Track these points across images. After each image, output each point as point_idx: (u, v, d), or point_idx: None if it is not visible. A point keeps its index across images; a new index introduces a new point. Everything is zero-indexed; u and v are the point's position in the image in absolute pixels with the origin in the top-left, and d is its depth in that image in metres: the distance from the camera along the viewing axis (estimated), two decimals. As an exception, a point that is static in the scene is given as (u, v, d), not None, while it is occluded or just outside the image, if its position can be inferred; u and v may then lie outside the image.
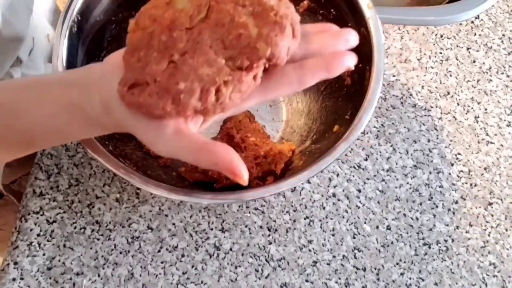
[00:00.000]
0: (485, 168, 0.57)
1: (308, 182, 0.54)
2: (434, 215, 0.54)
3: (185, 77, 0.27)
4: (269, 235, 0.51)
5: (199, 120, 0.32)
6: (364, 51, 0.47)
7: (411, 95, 0.61)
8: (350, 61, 0.31)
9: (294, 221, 0.52)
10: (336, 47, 0.32)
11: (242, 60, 0.28)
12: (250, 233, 0.51)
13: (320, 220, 0.52)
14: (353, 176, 0.55)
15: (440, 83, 0.62)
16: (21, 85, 0.34)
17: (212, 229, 0.51)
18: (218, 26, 0.28)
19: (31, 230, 0.49)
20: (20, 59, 0.50)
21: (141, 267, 0.48)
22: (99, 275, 0.48)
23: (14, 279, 0.47)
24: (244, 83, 0.28)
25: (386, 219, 0.53)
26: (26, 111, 0.32)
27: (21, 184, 0.60)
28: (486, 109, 0.61)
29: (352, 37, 0.32)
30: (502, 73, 0.64)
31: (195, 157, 0.29)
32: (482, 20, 0.68)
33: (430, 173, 0.56)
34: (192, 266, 0.49)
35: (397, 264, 0.51)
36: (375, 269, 0.51)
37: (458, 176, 0.57)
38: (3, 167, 0.55)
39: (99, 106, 0.30)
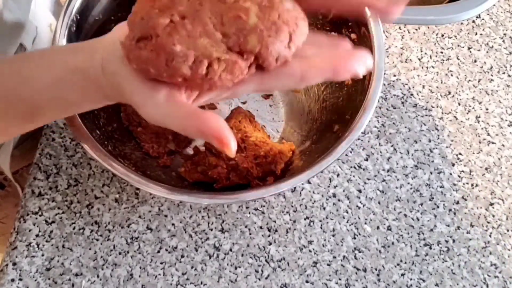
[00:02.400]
0: (486, 168, 0.57)
1: (308, 182, 0.54)
2: (435, 216, 0.54)
3: (182, 41, 0.27)
4: (269, 236, 0.51)
5: (192, 96, 0.31)
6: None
7: (412, 94, 0.61)
8: (360, 67, 0.29)
9: (294, 221, 0.52)
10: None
11: (234, 43, 0.27)
12: (250, 234, 0.51)
13: (320, 221, 0.52)
14: (354, 176, 0.55)
15: (441, 82, 0.62)
16: (28, 55, 0.35)
17: (211, 230, 0.51)
18: (220, 1, 0.28)
19: (30, 230, 0.49)
20: (24, 46, 0.50)
21: (140, 267, 0.48)
22: (98, 276, 0.47)
23: (12, 280, 0.46)
24: (237, 67, 0.28)
25: (387, 219, 0.53)
26: (32, 77, 0.32)
27: (23, 175, 0.60)
28: (487, 109, 0.61)
29: (366, 60, 0.29)
30: (504, 73, 0.63)
31: (182, 123, 0.28)
32: (483, 19, 0.67)
33: (431, 173, 0.56)
34: (192, 267, 0.49)
35: (398, 264, 0.51)
36: (376, 269, 0.50)
37: (459, 176, 0.56)
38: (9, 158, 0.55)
39: (99, 65, 0.30)
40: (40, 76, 0.32)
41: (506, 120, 0.60)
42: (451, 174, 0.56)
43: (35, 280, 0.47)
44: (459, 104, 0.61)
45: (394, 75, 0.62)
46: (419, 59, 0.63)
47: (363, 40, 0.47)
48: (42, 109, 0.34)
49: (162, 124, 0.30)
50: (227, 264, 0.49)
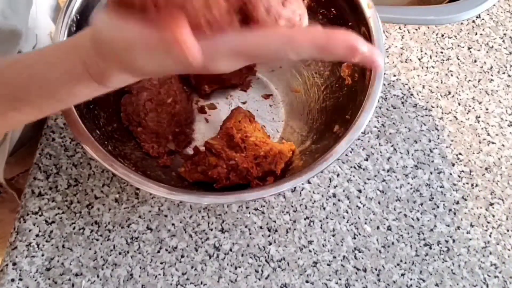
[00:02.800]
0: (486, 168, 0.57)
1: (308, 182, 0.54)
2: (435, 216, 0.54)
3: None
4: (269, 236, 0.51)
5: None
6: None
7: (411, 94, 0.61)
8: (361, 45, 0.26)
9: (294, 221, 0.52)
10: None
11: None
12: (250, 234, 0.51)
13: (320, 221, 0.52)
14: (354, 176, 0.55)
15: (441, 82, 0.62)
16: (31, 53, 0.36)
17: (211, 230, 0.51)
18: None
19: (30, 230, 0.49)
20: None
21: (140, 267, 0.48)
22: (98, 276, 0.47)
23: (13, 280, 0.46)
24: (219, 4, 0.25)
25: (387, 219, 0.53)
26: (16, 61, 0.33)
27: (19, 182, 0.60)
28: (487, 109, 0.61)
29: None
30: (504, 73, 0.63)
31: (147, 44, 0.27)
32: (483, 19, 0.67)
33: (431, 173, 0.56)
34: (192, 267, 0.49)
35: (398, 264, 0.51)
36: (376, 269, 0.50)
37: (459, 176, 0.56)
38: (4, 165, 0.55)
39: (88, 40, 0.30)
40: (24, 59, 0.33)
41: (506, 120, 0.60)
42: (451, 174, 0.56)
43: (35, 280, 0.47)
44: (459, 104, 0.61)
45: (394, 75, 0.62)
46: (419, 59, 0.63)
47: (363, 40, 0.47)
48: (24, 91, 0.33)
49: (162, 70, 0.30)
50: (227, 264, 0.49)
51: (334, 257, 0.50)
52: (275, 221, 0.52)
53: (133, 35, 0.28)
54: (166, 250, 0.49)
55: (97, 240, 0.49)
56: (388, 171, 0.55)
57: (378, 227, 0.52)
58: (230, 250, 0.50)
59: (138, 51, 0.29)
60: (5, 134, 0.51)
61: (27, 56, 0.34)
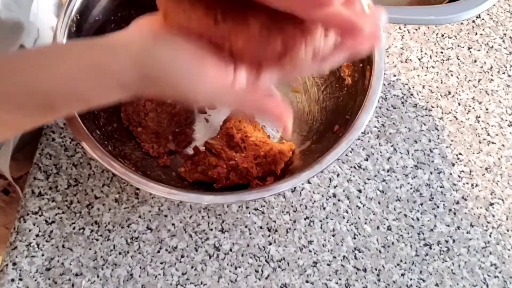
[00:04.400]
0: (486, 168, 0.57)
1: (308, 182, 0.54)
2: (435, 216, 0.54)
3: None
4: (269, 236, 0.51)
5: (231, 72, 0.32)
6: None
7: (412, 94, 0.61)
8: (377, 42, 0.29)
9: (294, 221, 0.52)
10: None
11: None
12: (250, 234, 0.51)
13: (320, 221, 0.52)
14: (354, 176, 0.55)
15: (441, 82, 0.62)
16: (43, 50, 0.34)
17: (211, 230, 0.51)
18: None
19: (30, 230, 0.49)
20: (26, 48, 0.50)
21: (140, 267, 0.48)
22: (98, 276, 0.47)
23: (12, 280, 0.46)
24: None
25: (387, 219, 0.53)
26: (46, 71, 0.32)
27: (27, 181, 0.60)
28: (487, 109, 0.61)
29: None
30: (504, 73, 0.63)
31: (240, 100, 0.30)
32: (483, 19, 0.67)
33: (431, 173, 0.56)
34: (192, 267, 0.49)
35: (398, 264, 0.51)
36: (376, 269, 0.50)
37: (459, 176, 0.56)
38: (9, 161, 0.54)
39: (127, 60, 0.30)
40: (55, 72, 0.32)
41: (506, 120, 0.60)
42: (451, 174, 0.56)
43: (35, 280, 0.47)
44: (459, 104, 0.61)
45: (394, 75, 0.62)
46: (419, 59, 0.63)
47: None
48: (57, 104, 0.34)
49: (213, 101, 0.31)
50: (227, 264, 0.49)
51: (334, 257, 0.50)
52: (275, 221, 0.52)
53: (210, 89, 0.29)
54: (166, 250, 0.49)
55: (97, 240, 0.49)
56: (388, 171, 0.55)
57: (378, 227, 0.52)
58: (230, 250, 0.50)
59: (212, 97, 0.30)
60: None
61: (55, 65, 0.32)
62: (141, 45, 0.30)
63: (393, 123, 0.58)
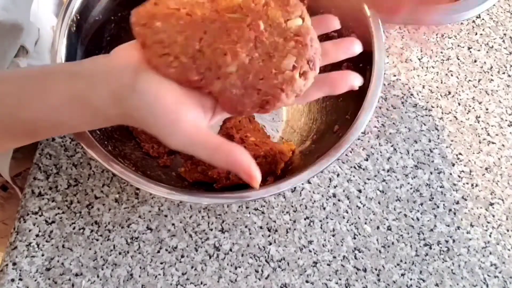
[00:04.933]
0: (486, 168, 0.57)
1: (308, 182, 0.54)
2: (435, 216, 0.54)
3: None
4: (269, 236, 0.51)
5: (209, 114, 0.33)
6: (364, 50, 0.46)
7: (412, 94, 0.61)
8: (355, 81, 0.34)
9: (294, 221, 0.52)
10: (337, 56, 0.34)
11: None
12: (250, 234, 0.51)
13: (320, 221, 0.52)
14: (354, 176, 0.55)
15: (441, 82, 0.62)
16: (25, 75, 0.34)
17: (211, 230, 0.51)
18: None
19: (29, 230, 0.49)
20: (26, 49, 0.50)
21: (140, 267, 0.48)
22: (98, 276, 0.47)
23: (12, 280, 0.46)
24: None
25: (387, 219, 0.53)
26: (30, 102, 0.32)
27: (25, 178, 0.60)
28: (487, 109, 0.61)
29: (354, 46, 0.35)
30: (504, 73, 0.63)
31: (210, 154, 0.30)
32: (483, 19, 0.67)
33: (431, 173, 0.56)
34: (192, 267, 0.49)
35: (398, 264, 0.51)
36: (376, 269, 0.50)
37: (459, 176, 0.56)
38: (9, 162, 0.55)
39: (107, 97, 0.30)
40: (36, 102, 0.32)
41: (506, 120, 0.60)
42: (451, 174, 0.56)
43: (35, 280, 0.47)
44: (459, 104, 0.61)
45: (394, 75, 0.62)
46: (419, 59, 0.63)
47: (363, 40, 0.47)
48: (39, 130, 0.34)
49: (187, 152, 0.31)
50: (227, 264, 0.49)
51: (334, 257, 0.50)
52: (275, 221, 0.52)
53: (187, 137, 0.30)
54: (166, 250, 0.49)
55: (97, 240, 0.49)
56: (388, 171, 0.55)
57: (378, 227, 0.52)
58: (230, 250, 0.50)
59: (187, 146, 0.31)
60: None
61: (36, 97, 0.32)
62: (120, 81, 0.30)
63: (393, 123, 0.58)
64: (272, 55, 0.31)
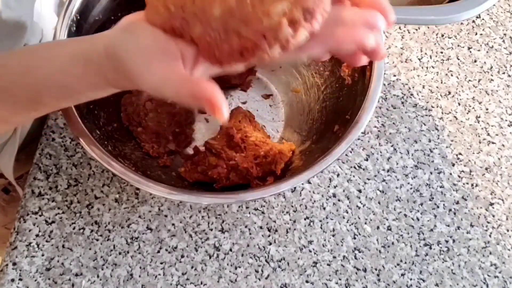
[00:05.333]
0: (486, 168, 0.57)
1: (308, 182, 0.54)
2: (435, 216, 0.54)
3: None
4: (269, 236, 0.51)
5: (190, 63, 0.31)
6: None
7: (412, 94, 0.61)
8: (368, 39, 0.29)
9: (294, 221, 0.52)
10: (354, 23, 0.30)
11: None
12: (250, 234, 0.51)
13: (320, 221, 0.52)
14: (354, 176, 0.55)
15: (441, 82, 0.62)
16: (35, 47, 0.37)
17: (211, 230, 0.51)
18: None
19: (30, 230, 0.49)
20: None
21: (140, 267, 0.48)
22: (98, 276, 0.47)
23: (13, 280, 0.46)
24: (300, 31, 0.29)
25: (387, 219, 0.53)
26: (35, 67, 0.34)
27: (27, 181, 0.60)
28: (487, 109, 0.61)
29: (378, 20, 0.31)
30: (504, 73, 0.63)
31: (177, 88, 0.30)
32: (483, 19, 0.67)
33: (431, 173, 0.56)
34: (192, 267, 0.49)
35: (398, 264, 0.51)
36: (376, 269, 0.50)
37: (459, 176, 0.56)
38: (13, 163, 0.55)
39: (102, 48, 0.31)
40: (43, 65, 0.33)
41: (506, 120, 0.60)
42: (451, 174, 0.56)
43: (35, 280, 0.47)
44: (459, 104, 0.61)
45: (394, 75, 0.62)
46: (419, 59, 0.63)
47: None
48: (45, 97, 0.35)
49: (158, 92, 0.30)
50: (227, 264, 0.49)
51: (334, 257, 0.50)
52: (275, 221, 0.52)
53: (158, 71, 0.30)
54: (166, 250, 0.49)
55: (97, 240, 0.49)
56: (388, 171, 0.55)
57: (378, 227, 0.52)
58: (230, 250, 0.50)
59: (157, 82, 0.30)
60: (14, 129, 0.51)
61: (43, 61, 0.34)
62: (113, 35, 0.32)
63: (393, 123, 0.58)
64: (267, 1, 0.27)
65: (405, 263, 0.51)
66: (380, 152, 0.57)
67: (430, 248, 0.52)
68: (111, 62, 0.31)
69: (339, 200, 0.53)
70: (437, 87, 0.62)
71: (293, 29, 0.28)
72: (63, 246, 0.48)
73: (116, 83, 0.33)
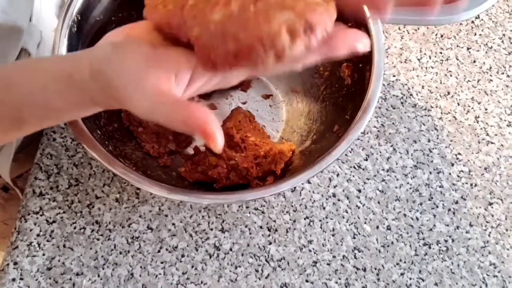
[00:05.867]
0: (485, 168, 0.57)
1: (308, 182, 0.54)
2: (434, 215, 0.54)
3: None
4: (269, 235, 0.51)
5: (181, 85, 0.30)
6: (364, 51, 0.46)
7: (411, 95, 0.61)
8: (358, 42, 0.30)
9: (294, 221, 0.52)
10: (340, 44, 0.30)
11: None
12: (250, 233, 0.51)
13: (320, 220, 0.52)
14: (353, 176, 0.55)
15: (440, 83, 0.62)
16: (17, 63, 0.35)
17: (212, 229, 0.51)
18: None
19: (30, 230, 0.49)
20: (28, 51, 0.50)
21: (141, 267, 0.48)
22: (98, 275, 0.48)
23: (13, 279, 0.46)
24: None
25: (386, 219, 0.53)
26: (18, 84, 0.32)
27: (26, 179, 0.60)
28: (486, 109, 0.61)
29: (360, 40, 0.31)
30: (503, 73, 0.64)
31: (169, 115, 0.28)
32: (482, 20, 0.68)
33: (430, 173, 0.56)
34: (192, 266, 0.49)
35: (397, 264, 0.51)
36: (375, 269, 0.51)
37: (458, 176, 0.56)
38: (10, 164, 0.55)
39: (86, 69, 0.30)
40: (24, 82, 0.32)
41: (505, 120, 0.60)
42: (450, 174, 0.56)
43: (36, 280, 0.47)
44: (458, 104, 0.61)
45: (394, 75, 0.62)
46: (419, 60, 0.63)
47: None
48: (26, 116, 0.34)
49: (149, 117, 0.29)
50: (227, 264, 0.49)
51: (334, 256, 0.51)
52: (275, 221, 0.52)
53: (148, 97, 0.28)
54: (167, 249, 0.49)
55: (98, 239, 0.49)
56: (387, 171, 0.56)
57: (377, 227, 0.53)
58: (230, 249, 0.50)
59: (148, 108, 0.29)
60: None
61: (25, 77, 0.32)
62: (98, 53, 0.30)
63: (393, 123, 0.59)
64: (271, 10, 0.28)
65: (405, 262, 0.51)
66: (380, 152, 0.57)
67: (430, 247, 0.52)
68: (98, 83, 0.30)
69: (338, 200, 0.54)
70: (436, 87, 0.62)
71: (291, 40, 0.28)
72: (64, 246, 0.49)
73: (105, 103, 0.32)
